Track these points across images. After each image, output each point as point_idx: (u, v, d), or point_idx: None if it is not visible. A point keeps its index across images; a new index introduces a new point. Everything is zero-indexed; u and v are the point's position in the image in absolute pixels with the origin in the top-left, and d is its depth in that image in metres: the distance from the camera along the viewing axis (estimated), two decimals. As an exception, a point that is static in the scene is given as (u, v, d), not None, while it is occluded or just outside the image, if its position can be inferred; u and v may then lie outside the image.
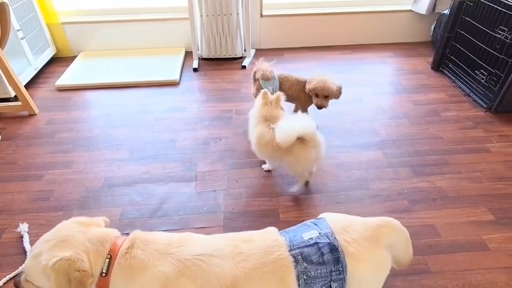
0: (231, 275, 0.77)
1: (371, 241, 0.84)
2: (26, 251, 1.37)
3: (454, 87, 2.42)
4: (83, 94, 2.43)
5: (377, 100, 2.30)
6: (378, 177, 1.70)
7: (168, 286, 0.75)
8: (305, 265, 0.79)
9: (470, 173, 1.70)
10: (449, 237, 1.40)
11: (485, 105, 2.17)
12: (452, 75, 2.50)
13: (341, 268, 0.80)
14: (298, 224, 0.96)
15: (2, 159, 1.85)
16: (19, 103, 2.18)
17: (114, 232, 0.88)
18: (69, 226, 0.84)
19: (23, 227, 1.46)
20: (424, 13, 2.85)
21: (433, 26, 2.89)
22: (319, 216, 0.98)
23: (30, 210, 1.56)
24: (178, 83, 2.55)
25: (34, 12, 2.59)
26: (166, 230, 1.46)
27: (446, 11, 2.53)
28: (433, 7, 2.84)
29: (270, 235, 0.88)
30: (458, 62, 2.43)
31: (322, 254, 0.81)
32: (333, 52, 2.96)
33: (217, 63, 2.82)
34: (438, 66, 2.61)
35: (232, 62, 2.82)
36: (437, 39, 2.66)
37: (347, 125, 2.07)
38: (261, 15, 2.87)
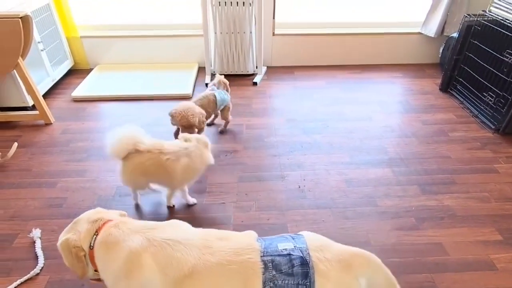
0: (191, 264, 0.82)
1: (343, 265, 0.83)
2: (38, 256, 1.40)
3: (462, 108, 2.44)
4: (97, 105, 2.50)
5: (386, 118, 2.34)
6: (386, 194, 1.71)
7: (131, 258, 0.85)
8: (274, 273, 0.80)
9: (478, 193, 1.71)
10: (457, 256, 1.40)
11: (493, 127, 2.18)
12: (460, 96, 2.52)
13: (308, 283, 0.80)
14: (276, 235, 0.95)
15: (17, 166, 1.91)
16: (36, 112, 2.26)
17: (112, 215, 1.01)
18: (85, 213, 1.01)
19: (36, 233, 1.49)
20: (433, 35, 2.91)
21: (441, 49, 2.94)
22: (298, 233, 0.98)
23: (43, 216, 1.59)
24: (191, 97, 2.61)
25: (55, 25, 2.71)
26: (176, 240, 1.48)
27: (455, 34, 2.58)
28: (442, 30, 2.90)
29: (247, 238, 0.91)
30: (466, 84, 2.46)
31: (293, 266, 0.81)
32: (343, 71, 3.02)
33: (229, 79, 2.87)
34: (446, 87, 2.65)
35: (244, 78, 2.89)
36: (446, 61, 2.71)
37: (356, 142, 2.10)
38: (273, 34, 2.96)
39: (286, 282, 0.79)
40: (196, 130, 1.92)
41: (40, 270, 1.35)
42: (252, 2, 2.61)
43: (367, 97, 2.60)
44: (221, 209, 1.63)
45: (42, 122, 2.28)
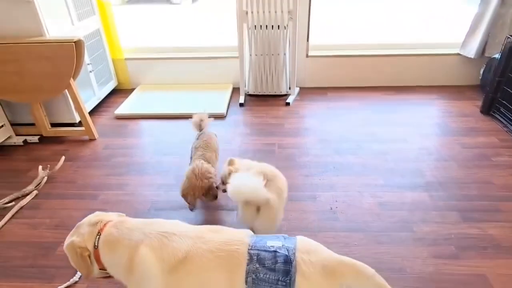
0: (185, 250, 0.90)
1: (327, 270, 0.84)
2: (78, 265, 1.47)
3: (506, 131, 2.32)
4: (138, 123, 2.64)
5: (422, 141, 2.27)
6: (423, 220, 1.64)
7: (131, 253, 0.93)
8: (257, 266, 0.84)
9: (526, 223, 1.60)
10: (503, 290, 1.30)
11: (541, 152, 2.05)
12: (504, 119, 2.41)
13: (288, 281, 0.82)
14: (271, 235, 0.98)
15: (64, 178, 2.04)
16: (82, 128, 2.42)
17: (111, 217, 1.08)
18: (86, 218, 1.09)
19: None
20: (472, 56, 2.82)
21: (482, 70, 2.84)
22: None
23: (84, 226, 1.68)
24: (225, 117, 2.69)
25: (103, 48, 2.92)
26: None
27: (497, 55, 2.49)
28: (482, 51, 2.81)
29: (239, 233, 0.96)
30: (510, 107, 2.35)
31: (276, 262, 0.84)
32: (377, 92, 2.99)
33: (262, 99, 2.95)
34: (488, 110, 2.54)
35: (277, 98, 2.94)
36: (487, 83, 2.61)
37: (390, 164, 2.05)
38: (307, 56, 3.00)
39: (268, 276, 0.83)
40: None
41: (79, 278, 1.42)
42: (287, 25, 2.69)
43: (402, 119, 2.55)
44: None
45: (87, 137, 2.44)
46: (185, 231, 0.98)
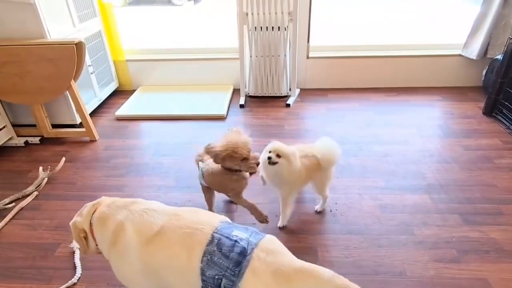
0: (160, 225, 0.98)
1: (282, 275, 0.84)
2: (76, 267, 1.47)
3: (509, 133, 2.30)
4: (138, 124, 2.65)
5: (424, 142, 2.25)
6: (424, 223, 1.63)
7: (117, 228, 1.02)
8: (215, 249, 0.89)
9: (528, 226, 1.58)
10: (505, 294, 1.28)
11: (545, 154, 2.03)
12: (507, 121, 2.38)
13: (237, 272, 0.84)
14: (243, 226, 1.02)
15: (64, 179, 2.04)
16: (83, 129, 2.42)
17: (106, 199, 1.16)
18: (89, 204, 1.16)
19: (76, 244, 1.57)
20: (474, 58, 2.80)
21: (484, 71, 2.82)
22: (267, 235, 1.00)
23: (84, 228, 1.68)
24: (225, 118, 2.68)
25: (104, 50, 2.93)
26: (205, 258, 1.50)
27: (499, 56, 2.47)
28: (485, 52, 2.79)
29: (213, 217, 1.02)
30: (513, 108, 2.33)
31: (232, 251, 0.87)
32: (378, 93, 2.97)
33: (263, 101, 2.94)
34: (490, 111, 2.52)
35: (277, 100, 2.93)
36: (490, 84, 2.59)
37: (391, 166, 2.03)
38: (307, 57, 3.00)
39: (220, 261, 0.86)
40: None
41: (78, 280, 1.42)
42: (287, 27, 2.68)
43: (403, 120, 2.53)
44: (251, 230, 1.63)
45: (87, 138, 2.44)
46: (165, 208, 1.07)
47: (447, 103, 2.77)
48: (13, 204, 1.84)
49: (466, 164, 2.02)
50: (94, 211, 1.10)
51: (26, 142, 2.41)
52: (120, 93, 3.14)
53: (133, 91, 3.14)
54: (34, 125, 2.42)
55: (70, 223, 1.12)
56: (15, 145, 2.38)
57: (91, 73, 2.70)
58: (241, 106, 2.85)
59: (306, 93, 3.04)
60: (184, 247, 0.92)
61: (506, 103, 2.39)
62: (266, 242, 0.92)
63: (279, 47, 2.75)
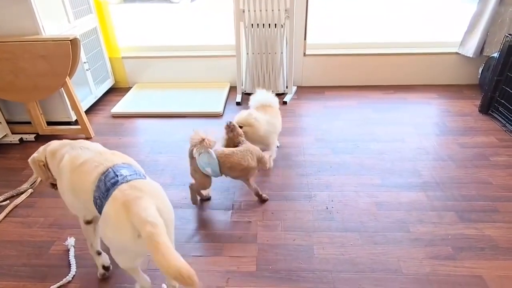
0: (84, 159, 1.21)
1: (127, 206, 1.03)
2: (70, 264, 1.46)
3: (505, 131, 2.30)
4: (134, 121, 2.63)
5: (420, 140, 2.25)
6: (420, 220, 1.63)
7: (60, 160, 1.26)
8: (103, 178, 1.13)
9: (523, 223, 1.58)
10: (500, 291, 1.29)
11: (540, 152, 2.04)
12: (503, 118, 2.39)
13: (106, 195, 1.09)
14: (134, 169, 1.19)
15: (59, 177, 2.02)
16: (78, 127, 2.41)
17: (55, 141, 1.37)
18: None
19: (71, 241, 1.56)
20: (471, 55, 2.81)
21: (481, 69, 2.82)
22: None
23: (79, 226, 1.66)
24: (222, 115, 2.67)
25: (99, 47, 2.91)
26: (200, 256, 1.49)
27: (495, 54, 2.48)
28: (481, 50, 2.79)
29: (120, 159, 1.22)
30: (509, 106, 2.33)
31: (109, 181, 1.11)
32: (375, 91, 2.97)
33: (259, 98, 2.93)
34: (486, 109, 2.52)
35: (274, 97, 2.92)
36: (486, 82, 2.60)
37: (387, 164, 2.03)
38: (304, 54, 2.99)
39: (101, 186, 1.11)
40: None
41: (72, 278, 1.41)
42: (284, 24, 2.67)
43: (400, 118, 2.53)
44: (247, 227, 1.63)
45: (83, 136, 2.43)
46: (96, 148, 1.28)
47: (443, 101, 2.78)
48: (8, 201, 1.83)
49: (462, 162, 2.03)
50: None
51: (21, 140, 2.39)
52: (116, 90, 3.12)
53: (129, 88, 3.13)
54: (29, 122, 2.40)
55: (29, 159, 1.33)
56: (9, 142, 2.37)
57: (87, 70, 2.68)
58: (238, 103, 2.84)
59: (303, 90, 3.04)
60: (88, 174, 1.17)
61: (502, 101, 2.40)
62: (137, 181, 1.12)
63: (276, 44, 2.74)
